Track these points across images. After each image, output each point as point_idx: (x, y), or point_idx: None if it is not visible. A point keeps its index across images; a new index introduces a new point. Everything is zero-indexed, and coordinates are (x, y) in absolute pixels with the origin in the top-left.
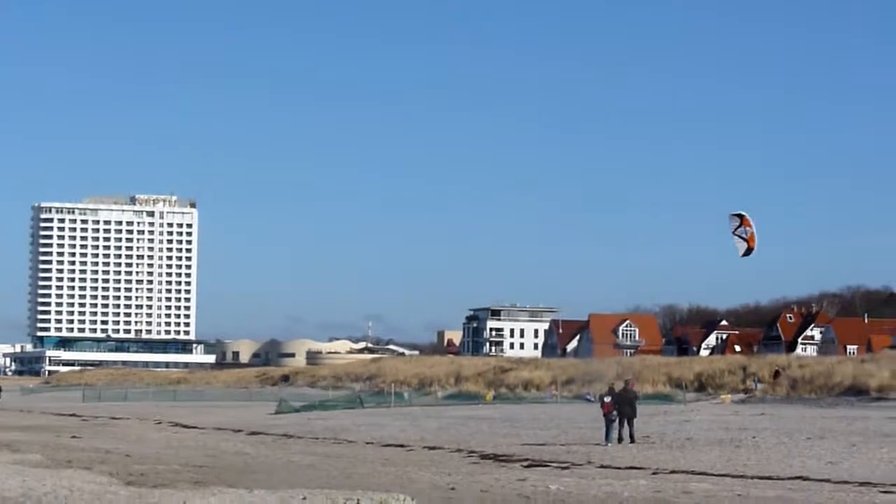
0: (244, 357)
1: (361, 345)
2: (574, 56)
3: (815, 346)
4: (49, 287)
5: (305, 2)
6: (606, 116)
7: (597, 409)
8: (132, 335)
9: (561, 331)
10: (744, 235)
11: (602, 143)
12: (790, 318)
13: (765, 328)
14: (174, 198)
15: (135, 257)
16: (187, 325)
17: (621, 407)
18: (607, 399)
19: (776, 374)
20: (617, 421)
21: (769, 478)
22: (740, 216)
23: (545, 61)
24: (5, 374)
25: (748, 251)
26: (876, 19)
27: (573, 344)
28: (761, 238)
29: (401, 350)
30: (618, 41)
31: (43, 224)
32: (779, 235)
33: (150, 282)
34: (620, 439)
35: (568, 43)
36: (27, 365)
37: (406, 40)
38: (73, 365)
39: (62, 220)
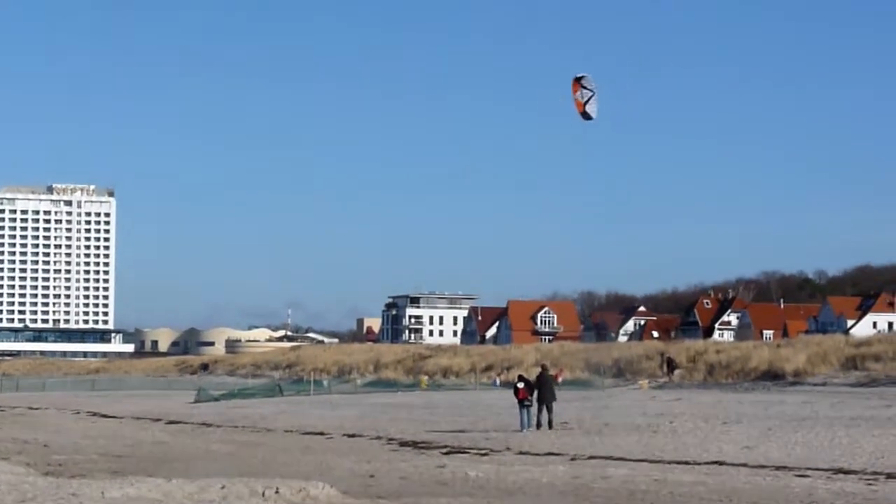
0: (163, 346)
1: (281, 333)
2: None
3: (731, 332)
4: None
5: None
6: (525, 97)
7: (512, 395)
8: (50, 325)
9: (480, 318)
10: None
11: (518, 125)
12: (707, 303)
13: (682, 314)
14: (92, 187)
15: (52, 246)
16: (106, 314)
17: (541, 392)
18: (520, 385)
19: (669, 364)
20: (534, 407)
21: (686, 463)
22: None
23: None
24: None
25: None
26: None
27: (492, 331)
28: (679, 223)
29: (320, 338)
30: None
31: None
32: (695, 221)
33: (69, 271)
34: (539, 425)
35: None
36: None
37: (318, 11)
38: None
39: None
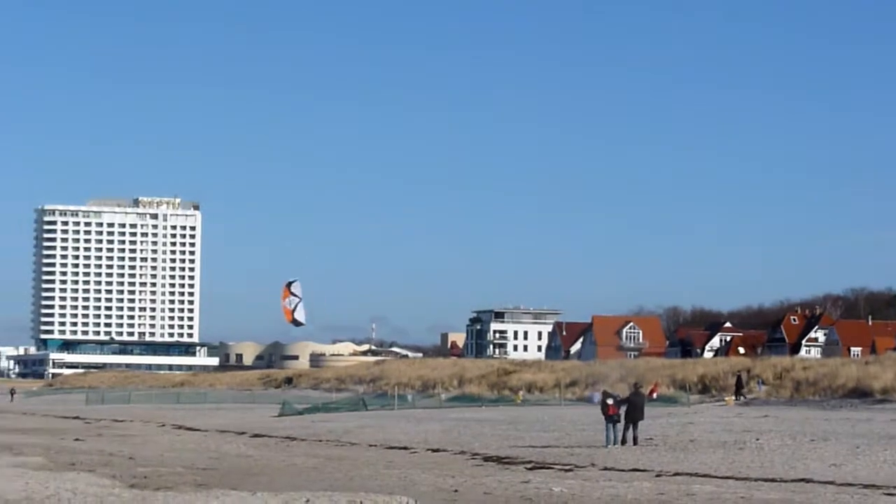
0: (247, 359)
1: (365, 347)
2: (572, 54)
3: (818, 348)
4: (53, 290)
5: (308, 2)
6: (609, 117)
7: (598, 410)
8: (136, 338)
9: (564, 333)
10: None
11: (605, 144)
12: (794, 320)
13: (768, 330)
14: (178, 200)
15: (138, 260)
16: (191, 327)
17: (631, 409)
18: (610, 402)
19: (738, 383)
20: (621, 423)
21: (772, 480)
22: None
23: (548, 60)
24: (9, 376)
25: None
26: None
27: (577, 346)
28: (767, 240)
29: (404, 352)
30: (622, 42)
31: (46, 227)
32: (782, 237)
33: (154, 284)
34: (624, 441)
35: (567, 41)
36: (31, 367)
37: (411, 41)
38: (76, 367)
39: (66, 223)
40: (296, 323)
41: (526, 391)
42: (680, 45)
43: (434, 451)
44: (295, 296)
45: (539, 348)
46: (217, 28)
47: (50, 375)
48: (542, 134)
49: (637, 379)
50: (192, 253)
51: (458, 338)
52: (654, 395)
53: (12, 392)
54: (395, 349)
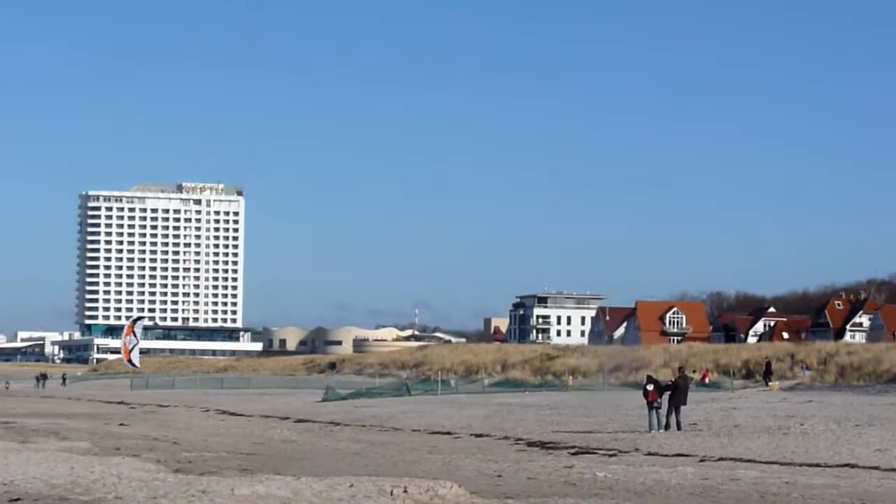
0: (291, 345)
1: (408, 332)
2: (613, 38)
3: (863, 333)
4: (97, 275)
5: None
6: (653, 100)
7: (641, 395)
8: (179, 323)
9: (608, 318)
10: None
11: (649, 127)
12: (838, 304)
13: (812, 315)
14: (221, 186)
15: (182, 245)
16: (234, 312)
17: (674, 394)
18: (650, 387)
19: (768, 368)
20: (664, 408)
21: (817, 465)
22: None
23: (592, 45)
24: (54, 361)
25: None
26: None
27: (620, 331)
28: (811, 224)
29: (447, 337)
30: (662, 24)
31: (90, 213)
32: (826, 222)
33: (198, 270)
34: (668, 426)
35: (604, 24)
36: (75, 353)
37: (451, 21)
38: (120, 353)
39: (109, 209)
40: (130, 363)
41: (569, 376)
42: (735, 32)
43: (477, 436)
44: (135, 336)
45: (582, 333)
46: (260, 12)
47: (94, 360)
48: (588, 118)
49: (681, 363)
50: (235, 238)
51: (502, 323)
52: (707, 380)
53: (63, 377)
54: (438, 334)
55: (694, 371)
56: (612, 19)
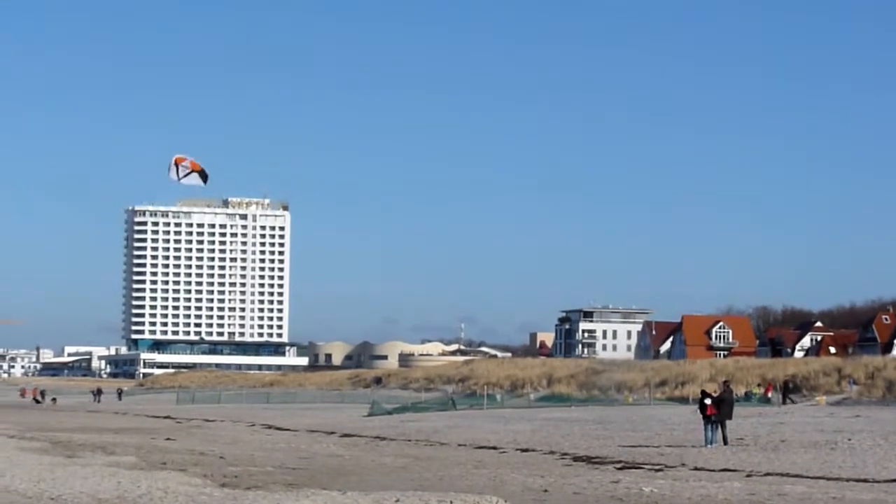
0: (336, 359)
1: (453, 347)
2: (659, 51)
3: None
4: (143, 290)
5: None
6: (697, 114)
7: (688, 410)
8: (225, 338)
9: (654, 332)
10: (188, 170)
11: (694, 142)
12: (886, 319)
13: (860, 329)
14: (267, 200)
15: (228, 260)
16: (280, 327)
17: (720, 408)
18: (707, 402)
19: (786, 388)
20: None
21: (865, 480)
22: (177, 160)
23: (646, 57)
24: (101, 376)
25: (203, 175)
26: None
27: (666, 346)
28: (858, 238)
29: (493, 352)
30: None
31: (137, 227)
32: (874, 235)
33: (244, 284)
34: (713, 441)
35: (635, 35)
36: (122, 367)
37: (524, 38)
38: (167, 367)
39: (156, 224)
40: (203, 176)
41: (615, 391)
42: (782, 42)
43: (523, 450)
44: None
45: (628, 348)
46: (304, 24)
47: (141, 375)
48: (630, 132)
49: (726, 377)
50: (281, 253)
51: (547, 337)
52: (769, 395)
53: (119, 392)
54: (483, 349)
55: (759, 385)
56: (643, 31)
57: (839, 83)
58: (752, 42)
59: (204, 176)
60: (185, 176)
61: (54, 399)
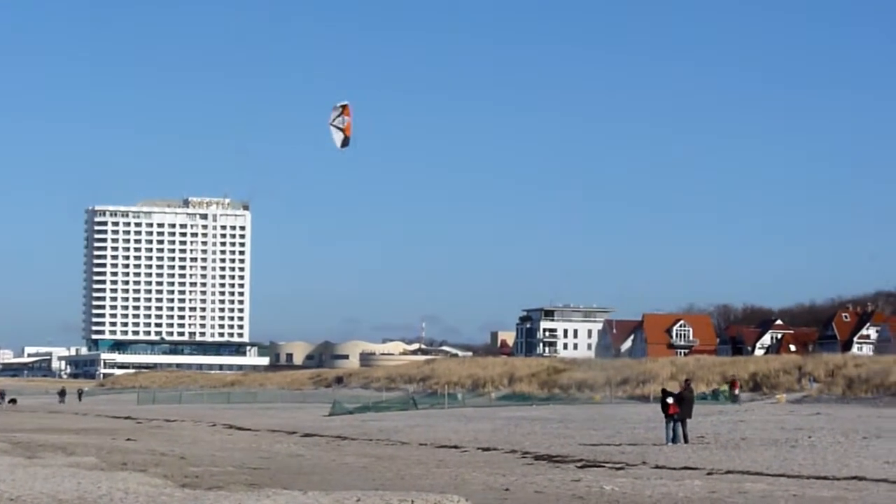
0: (298, 359)
1: (415, 346)
2: (619, 50)
3: (870, 346)
4: (103, 290)
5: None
6: (655, 113)
7: (649, 408)
8: (186, 338)
9: (615, 331)
10: (341, 126)
11: (653, 141)
12: (846, 317)
13: (820, 327)
14: (227, 200)
15: (188, 260)
16: (241, 327)
17: (681, 407)
18: (670, 400)
19: (732, 387)
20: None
21: (825, 478)
22: (343, 106)
23: (595, 56)
24: (61, 376)
25: (345, 141)
26: None
27: (627, 344)
28: (818, 237)
29: (454, 351)
30: (655, 34)
31: (97, 227)
32: (833, 234)
33: (204, 284)
34: (675, 440)
35: (608, 35)
36: (82, 368)
37: (458, 33)
38: (127, 368)
39: (116, 224)
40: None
41: (576, 389)
42: (733, 41)
43: (485, 449)
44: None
45: (589, 346)
46: (264, 22)
47: (101, 376)
48: (590, 131)
49: (687, 376)
50: (241, 253)
51: (509, 336)
52: (737, 391)
53: (80, 392)
54: (445, 348)
55: (726, 382)
56: (612, 26)
57: (792, 81)
58: (703, 38)
59: (345, 142)
60: (336, 128)
61: (13, 400)
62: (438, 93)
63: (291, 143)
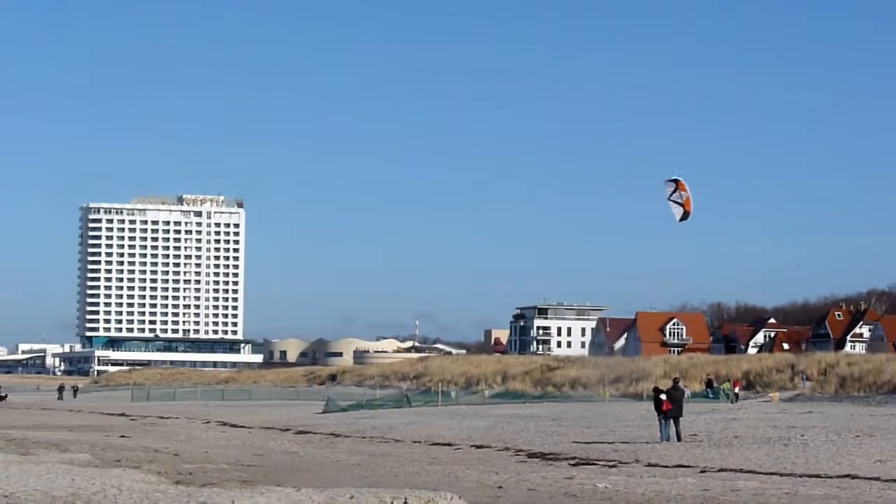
0: (292, 356)
1: (408, 344)
2: (609, 49)
3: (863, 344)
4: (98, 287)
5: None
6: (647, 112)
7: (643, 406)
8: (180, 335)
9: (608, 329)
10: (679, 200)
11: (646, 139)
12: (839, 315)
13: (813, 326)
14: (221, 198)
15: (182, 257)
16: (235, 324)
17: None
18: (663, 397)
19: (708, 384)
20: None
21: (817, 476)
22: (675, 181)
23: (582, 56)
24: (55, 373)
25: (685, 216)
26: None
27: (621, 342)
28: (811, 236)
29: (448, 349)
30: (660, 33)
31: (91, 225)
32: (826, 233)
33: (198, 281)
34: (667, 438)
35: (593, 34)
36: (76, 365)
37: (450, 34)
38: (121, 365)
39: (110, 221)
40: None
41: (570, 387)
42: (724, 39)
43: (478, 447)
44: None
45: (582, 345)
46: (260, 21)
47: (95, 373)
48: (584, 129)
49: (675, 375)
50: (236, 250)
51: (502, 334)
52: (737, 390)
53: (75, 389)
54: (438, 346)
55: (728, 381)
56: (600, 23)
57: (785, 79)
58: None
59: (685, 216)
60: (675, 203)
61: (3, 396)
62: (432, 91)
63: (286, 141)
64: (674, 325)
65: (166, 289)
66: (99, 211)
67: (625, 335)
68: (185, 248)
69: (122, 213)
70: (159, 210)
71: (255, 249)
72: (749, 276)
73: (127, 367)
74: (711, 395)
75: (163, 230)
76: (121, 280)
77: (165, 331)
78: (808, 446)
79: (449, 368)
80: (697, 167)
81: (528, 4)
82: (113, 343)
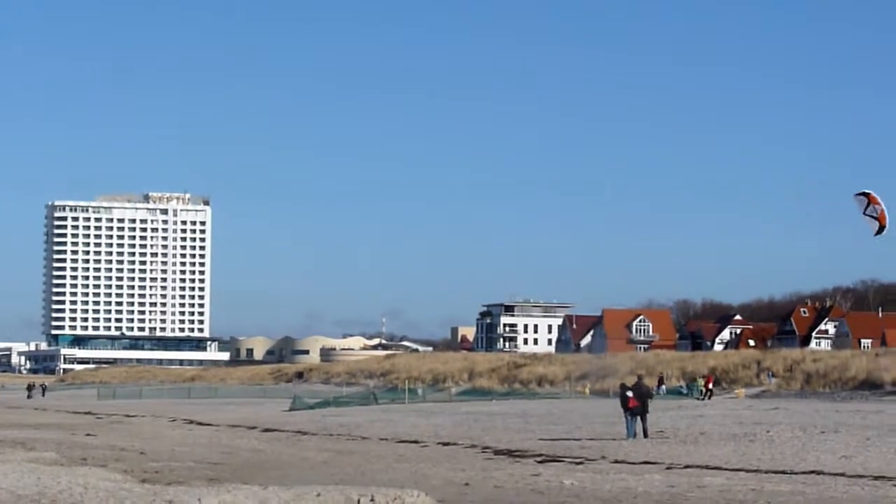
0: (258, 354)
1: (375, 341)
2: (577, 43)
3: (829, 341)
4: (63, 285)
5: None
6: (617, 110)
7: (611, 404)
8: (146, 333)
9: (575, 326)
10: (874, 214)
11: (613, 137)
12: (804, 312)
13: (779, 322)
14: (188, 195)
15: (149, 255)
16: (201, 322)
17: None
18: (629, 394)
19: (660, 381)
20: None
21: (783, 472)
22: (866, 195)
23: (549, 48)
24: (20, 372)
25: (880, 230)
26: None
27: (587, 339)
28: (774, 233)
29: (414, 346)
30: (636, 28)
31: (57, 223)
32: (792, 230)
33: (164, 279)
34: (634, 434)
35: (567, 29)
36: (42, 363)
37: (413, 27)
38: (87, 363)
39: (76, 219)
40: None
41: (536, 384)
42: (693, 35)
43: (445, 444)
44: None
45: (549, 342)
46: (228, 20)
47: (61, 371)
48: (550, 126)
49: (643, 371)
50: (202, 248)
51: (469, 331)
52: (710, 386)
53: (43, 387)
54: (405, 343)
55: (702, 377)
56: (590, 23)
57: (759, 74)
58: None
59: (880, 230)
60: (871, 217)
61: None
62: (402, 89)
63: (252, 139)
64: (640, 322)
65: (132, 287)
66: (65, 209)
67: (591, 332)
68: (152, 245)
69: (87, 210)
70: (125, 208)
71: (222, 247)
72: (715, 273)
73: (93, 366)
74: (686, 392)
75: (129, 228)
76: (87, 278)
77: (132, 329)
78: (774, 442)
79: (416, 366)
80: (662, 164)
81: (522, 3)
82: (79, 341)
